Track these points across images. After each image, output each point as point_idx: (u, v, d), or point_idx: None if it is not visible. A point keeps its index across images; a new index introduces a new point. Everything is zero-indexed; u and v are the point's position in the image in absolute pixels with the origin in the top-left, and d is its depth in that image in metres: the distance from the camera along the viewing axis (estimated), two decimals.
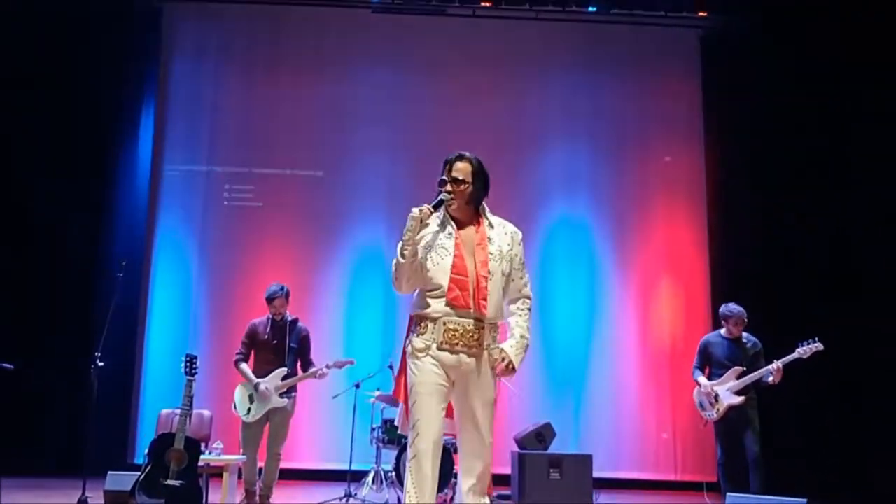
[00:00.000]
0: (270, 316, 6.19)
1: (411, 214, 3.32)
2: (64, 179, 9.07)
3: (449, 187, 3.44)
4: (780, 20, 9.26)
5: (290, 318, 6.24)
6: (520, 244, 3.60)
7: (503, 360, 3.40)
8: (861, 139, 8.64)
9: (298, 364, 6.27)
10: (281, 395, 6.06)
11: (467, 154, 3.52)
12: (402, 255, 3.30)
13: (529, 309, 3.59)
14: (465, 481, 3.37)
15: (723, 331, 6.28)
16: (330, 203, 9.59)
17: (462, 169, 3.47)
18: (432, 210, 3.39)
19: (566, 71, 9.94)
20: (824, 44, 8.85)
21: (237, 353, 6.16)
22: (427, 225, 3.42)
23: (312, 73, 9.87)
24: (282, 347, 6.14)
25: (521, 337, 3.49)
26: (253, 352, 6.20)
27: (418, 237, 3.35)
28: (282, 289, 6.20)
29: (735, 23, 9.65)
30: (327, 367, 6.26)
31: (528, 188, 9.53)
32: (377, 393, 7.31)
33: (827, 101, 8.90)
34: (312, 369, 6.20)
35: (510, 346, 3.44)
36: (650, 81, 9.90)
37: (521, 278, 3.57)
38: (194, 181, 9.66)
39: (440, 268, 3.35)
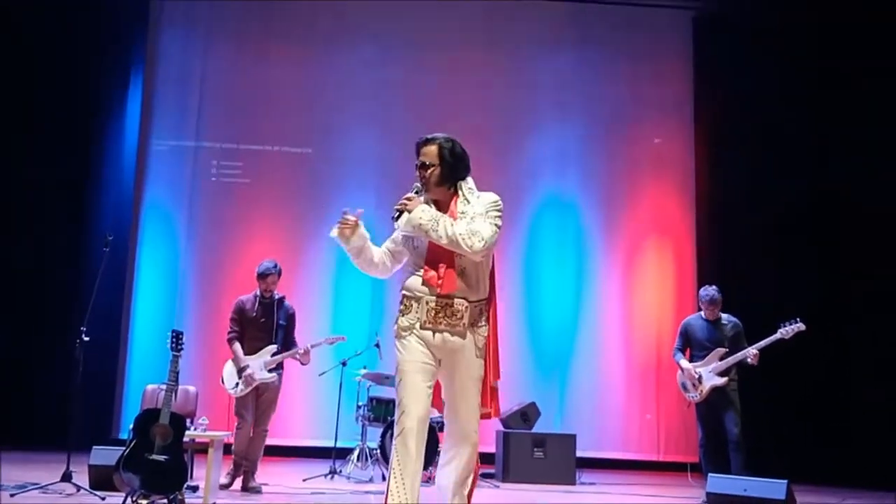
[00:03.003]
0: (259, 293, 6.18)
1: (331, 233, 3.74)
2: (50, 153, 9.00)
3: (417, 173, 3.51)
4: (773, 2, 9.25)
5: (277, 296, 6.24)
6: (489, 204, 3.44)
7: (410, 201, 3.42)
8: (852, 123, 8.65)
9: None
10: (270, 371, 6.08)
11: (434, 136, 3.52)
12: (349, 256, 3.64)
13: (463, 236, 3.31)
14: (450, 466, 3.39)
15: (702, 313, 6.34)
16: (318, 180, 9.56)
17: (427, 153, 3.49)
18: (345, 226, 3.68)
19: (557, 50, 9.90)
20: (817, 27, 8.85)
21: (229, 332, 6.14)
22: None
23: (302, 49, 9.80)
24: (270, 325, 6.15)
25: (439, 219, 3.34)
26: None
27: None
28: (275, 266, 6.19)
29: (729, 4, 9.63)
30: (312, 346, 6.27)
31: (517, 167, 9.52)
32: (363, 371, 7.32)
33: (819, 84, 8.91)
34: (295, 349, 6.21)
35: (427, 210, 3.39)
36: (642, 62, 9.88)
37: (476, 220, 3.37)
38: (182, 156, 9.60)
39: (419, 250, 3.42)
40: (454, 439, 3.40)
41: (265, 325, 6.14)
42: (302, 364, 6.34)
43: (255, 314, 6.14)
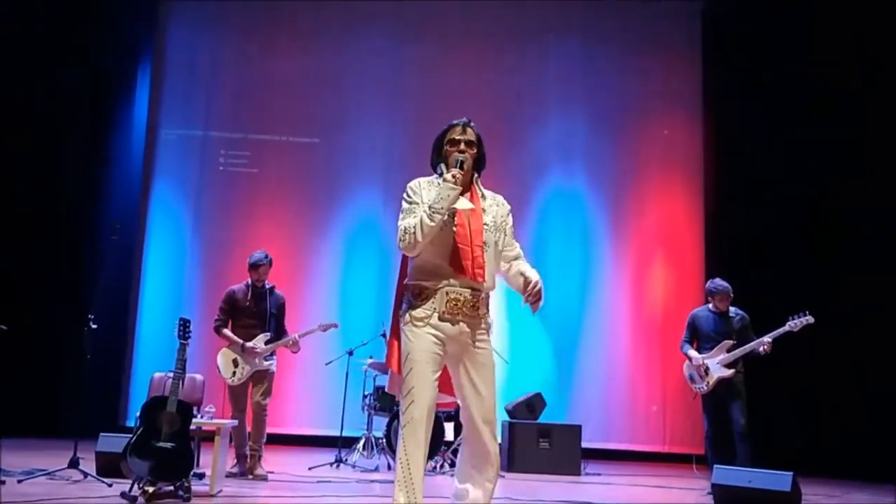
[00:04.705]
0: (250, 282, 6.24)
1: (451, 185, 3.25)
2: (59, 141, 9.01)
3: (463, 147, 3.41)
4: None
5: (268, 286, 6.30)
6: (510, 215, 3.56)
7: (535, 282, 3.37)
8: (861, 116, 8.61)
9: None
10: (265, 359, 6.17)
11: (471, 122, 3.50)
12: (433, 220, 3.22)
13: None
14: (477, 465, 3.35)
15: (710, 305, 6.33)
16: (325, 170, 9.57)
17: (471, 134, 3.45)
18: (462, 173, 3.34)
19: (566, 42, 9.88)
20: (826, 20, 8.79)
21: (216, 320, 6.22)
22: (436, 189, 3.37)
23: (310, 40, 9.80)
24: (263, 313, 6.22)
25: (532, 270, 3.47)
26: (232, 318, 6.26)
27: (426, 202, 3.31)
28: (266, 256, 6.26)
29: None
30: (302, 335, 6.33)
31: (525, 159, 9.51)
32: (370, 360, 7.34)
33: (828, 77, 8.86)
34: (287, 338, 6.28)
35: (529, 270, 3.42)
36: (651, 55, 9.85)
37: (511, 244, 3.54)
38: (190, 145, 9.62)
39: (443, 234, 3.31)
40: (476, 442, 3.33)
41: (257, 313, 6.22)
42: (292, 352, 6.41)
43: (247, 303, 6.20)
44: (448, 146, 3.43)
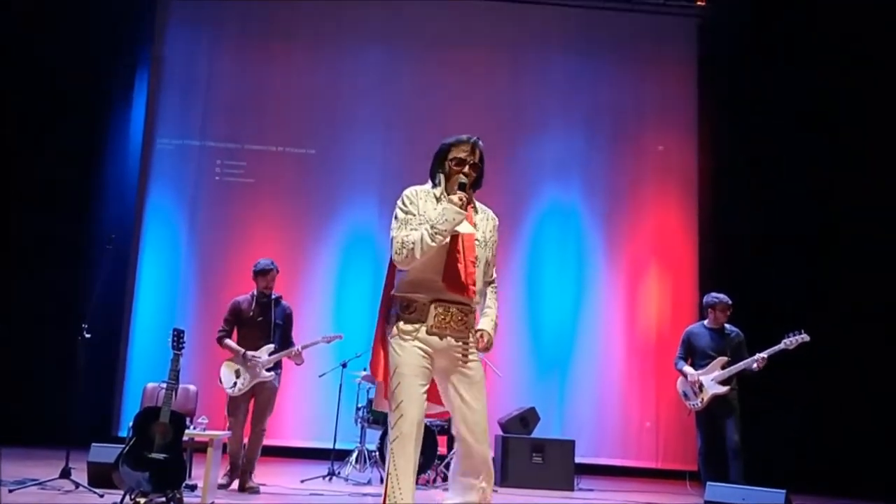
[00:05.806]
0: (256, 292, 6.20)
1: (457, 210, 3.23)
2: (55, 149, 9.00)
3: (467, 169, 3.40)
4: (777, 10, 9.26)
5: (274, 296, 6.25)
6: (496, 229, 3.56)
7: (482, 337, 3.42)
8: (856, 130, 8.65)
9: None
10: (267, 370, 6.10)
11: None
12: (434, 241, 3.21)
13: (496, 289, 3.62)
14: (468, 472, 3.34)
15: (706, 321, 6.33)
16: (321, 181, 9.57)
17: (477, 155, 3.44)
18: (467, 197, 3.33)
19: (562, 56, 9.92)
20: (822, 35, 8.85)
21: (220, 331, 6.16)
22: (427, 203, 3.38)
23: (307, 50, 9.83)
24: (267, 324, 6.16)
25: (496, 316, 3.54)
26: (236, 329, 6.20)
27: (423, 214, 3.32)
28: (273, 263, 6.21)
29: (733, 12, 9.63)
30: (304, 347, 6.28)
31: (520, 172, 9.52)
32: (363, 373, 7.32)
33: (824, 92, 8.90)
34: (291, 348, 6.22)
35: (487, 326, 3.48)
36: (647, 69, 9.89)
37: (495, 264, 3.60)
38: (186, 155, 9.62)
39: (437, 251, 3.30)
40: (469, 456, 3.32)
41: (262, 323, 6.15)
42: (296, 364, 6.35)
43: (252, 314, 6.15)
44: (454, 164, 3.41)
